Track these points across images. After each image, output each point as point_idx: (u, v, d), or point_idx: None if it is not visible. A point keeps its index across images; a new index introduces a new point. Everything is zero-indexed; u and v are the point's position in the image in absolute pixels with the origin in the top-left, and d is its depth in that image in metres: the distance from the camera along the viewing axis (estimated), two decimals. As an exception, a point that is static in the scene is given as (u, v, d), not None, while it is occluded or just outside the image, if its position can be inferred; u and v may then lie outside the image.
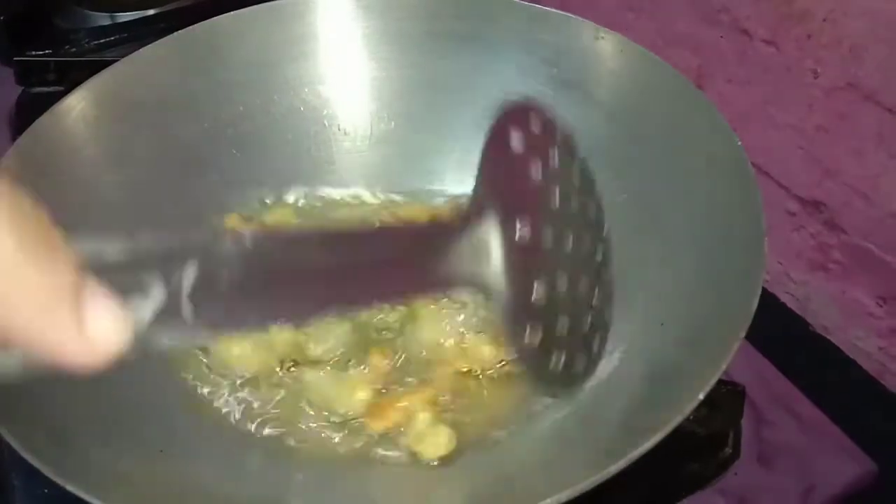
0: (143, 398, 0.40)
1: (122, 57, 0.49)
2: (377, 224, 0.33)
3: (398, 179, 0.52)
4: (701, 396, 0.31)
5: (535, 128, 0.31)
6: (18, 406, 0.34)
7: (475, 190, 0.31)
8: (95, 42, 0.68)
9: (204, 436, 0.40)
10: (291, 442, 0.40)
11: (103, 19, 0.70)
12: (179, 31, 0.49)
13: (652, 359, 0.37)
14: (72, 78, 0.62)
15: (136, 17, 0.70)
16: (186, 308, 0.20)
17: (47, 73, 0.65)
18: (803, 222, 0.57)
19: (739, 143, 0.39)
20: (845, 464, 0.46)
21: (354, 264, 0.26)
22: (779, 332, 0.57)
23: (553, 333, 0.30)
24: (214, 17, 0.50)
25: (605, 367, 0.38)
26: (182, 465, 0.37)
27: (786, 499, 0.45)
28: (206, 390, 0.42)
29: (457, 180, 0.52)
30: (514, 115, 0.31)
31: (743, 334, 0.32)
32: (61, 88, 0.62)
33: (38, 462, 0.31)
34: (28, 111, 0.63)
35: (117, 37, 0.68)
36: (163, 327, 0.19)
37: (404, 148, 0.53)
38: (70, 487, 0.31)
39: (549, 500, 0.28)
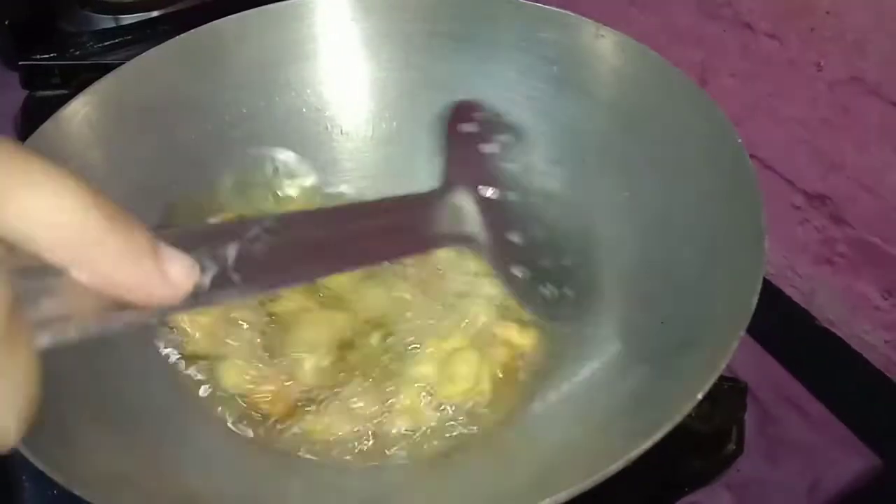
0: (149, 400, 0.41)
1: (127, 59, 0.49)
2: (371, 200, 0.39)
3: (400, 179, 0.52)
4: (700, 396, 0.31)
5: (478, 116, 0.39)
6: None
7: (444, 168, 0.37)
8: (99, 45, 0.68)
9: (210, 437, 0.40)
10: (301, 451, 0.41)
11: (107, 22, 0.71)
12: (182, 35, 0.49)
13: (651, 357, 0.37)
14: (76, 81, 0.63)
15: (140, 19, 0.71)
16: (235, 275, 0.25)
17: (52, 76, 0.66)
18: (808, 216, 0.57)
19: (740, 140, 0.39)
20: (851, 459, 0.46)
21: (358, 231, 0.31)
22: (784, 326, 0.57)
23: (538, 269, 0.36)
24: (217, 21, 0.50)
25: (603, 366, 0.39)
26: (188, 467, 0.37)
27: (792, 494, 0.45)
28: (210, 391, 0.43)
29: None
30: (463, 110, 0.39)
31: (742, 333, 0.32)
32: (66, 92, 0.63)
33: (44, 465, 0.31)
34: (33, 115, 0.64)
35: (121, 39, 0.69)
36: (220, 290, 0.24)
37: (406, 148, 0.53)
38: (76, 490, 0.31)
39: (546, 501, 0.28)
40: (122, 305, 0.22)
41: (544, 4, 0.50)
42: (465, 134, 0.38)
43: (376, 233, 0.32)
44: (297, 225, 0.29)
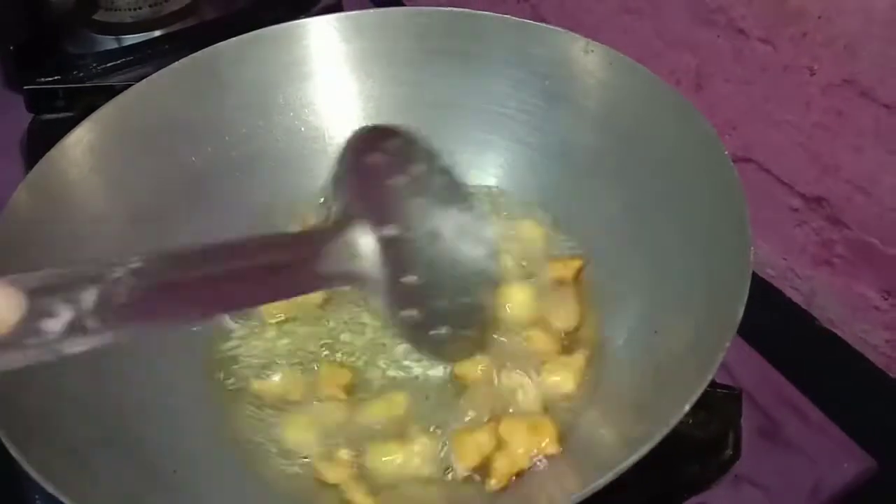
0: (157, 420, 0.42)
1: (130, 80, 0.50)
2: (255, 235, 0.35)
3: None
4: (687, 407, 0.31)
5: (389, 145, 0.35)
6: (34, 431, 0.35)
7: (339, 202, 0.34)
8: (103, 66, 0.69)
9: (217, 458, 0.41)
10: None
11: (110, 43, 0.71)
12: (180, 60, 0.50)
13: (643, 368, 0.38)
14: (81, 104, 0.64)
15: (142, 39, 0.71)
16: (91, 322, 0.24)
17: (56, 99, 0.66)
18: (806, 218, 0.57)
19: (726, 152, 0.40)
20: (852, 462, 0.46)
21: (238, 270, 0.29)
22: (785, 327, 0.57)
23: (433, 311, 0.34)
24: (215, 44, 0.51)
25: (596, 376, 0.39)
26: (196, 488, 0.38)
27: (792, 498, 0.45)
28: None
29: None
30: (366, 137, 0.35)
31: (728, 345, 0.33)
32: (71, 114, 0.64)
33: (53, 487, 0.32)
34: (39, 138, 0.64)
35: (124, 60, 0.69)
36: (74, 337, 0.24)
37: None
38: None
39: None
40: None
41: (542, 14, 0.50)
42: (369, 164, 0.34)
43: (257, 272, 0.30)
44: (170, 265, 0.28)
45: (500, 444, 0.39)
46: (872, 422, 0.49)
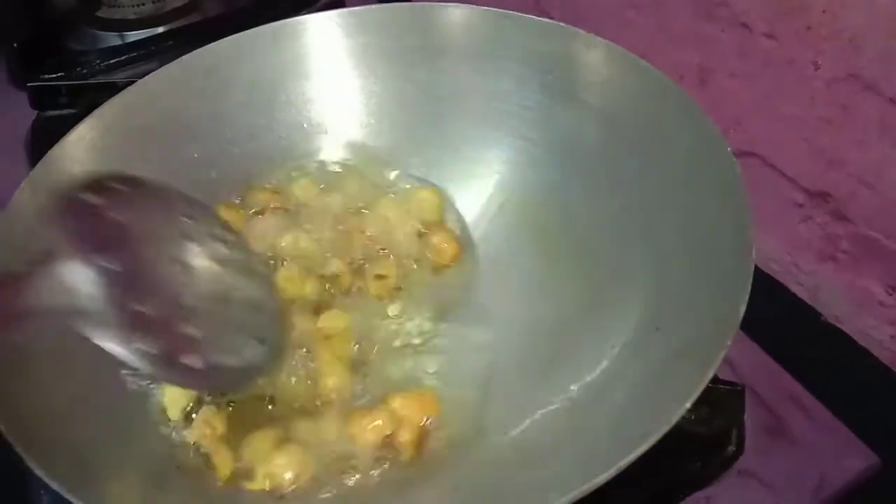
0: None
1: (133, 76, 0.51)
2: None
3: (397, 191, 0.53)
4: (689, 404, 0.31)
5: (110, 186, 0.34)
6: (39, 430, 0.35)
7: (48, 241, 0.32)
8: (106, 63, 0.69)
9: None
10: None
11: (113, 39, 0.72)
12: (181, 58, 0.50)
13: (645, 365, 0.38)
14: (84, 100, 0.64)
15: (146, 35, 0.72)
16: None
17: (60, 96, 0.66)
18: (810, 213, 0.57)
19: (730, 149, 0.40)
20: (857, 458, 0.46)
21: None
22: (789, 322, 0.57)
23: (173, 342, 0.33)
24: (216, 42, 0.52)
25: (598, 373, 0.39)
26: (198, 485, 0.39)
27: (797, 494, 0.45)
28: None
29: (458, 188, 0.53)
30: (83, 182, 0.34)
31: (729, 342, 0.33)
32: (74, 111, 0.64)
33: (58, 486, 0.32)
34: (43, 135, 0.65)
35: (127, 56, 0.70)
36: None
37: (405, 161, 0.53)
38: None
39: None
40: None
41: (546, 9, 0.50)
42: (86, 203, 0.33)
43: None
44: None
45: (399, 421, 0.41)
46: (876, 418, 0.48)
